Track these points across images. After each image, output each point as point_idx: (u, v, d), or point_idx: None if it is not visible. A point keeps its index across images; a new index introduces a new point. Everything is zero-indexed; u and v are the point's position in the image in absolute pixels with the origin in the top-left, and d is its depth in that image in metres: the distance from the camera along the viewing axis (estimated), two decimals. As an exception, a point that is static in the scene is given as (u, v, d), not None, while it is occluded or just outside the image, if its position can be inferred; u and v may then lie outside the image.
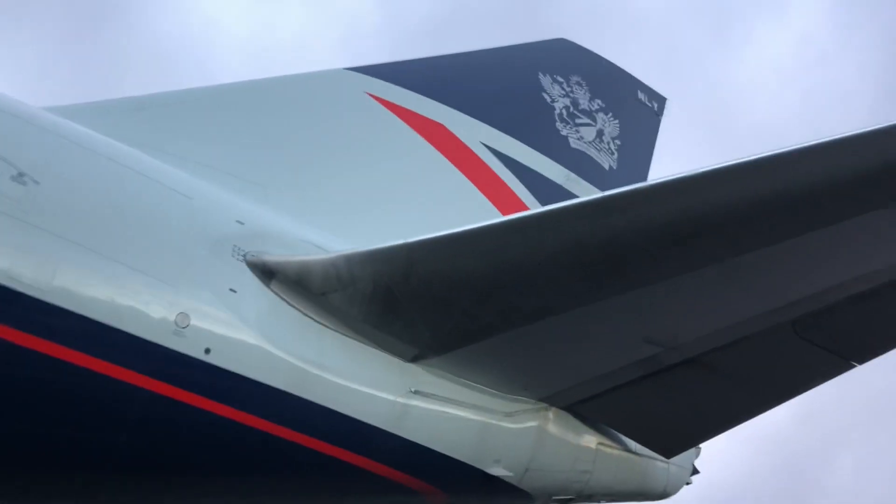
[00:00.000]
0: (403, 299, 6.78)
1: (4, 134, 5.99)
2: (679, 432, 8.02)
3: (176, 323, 6.00)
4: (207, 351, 6.10)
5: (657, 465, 8.31)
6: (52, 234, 5.75)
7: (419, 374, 7.08)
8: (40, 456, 5.87)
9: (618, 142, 10.64)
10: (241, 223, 6.89)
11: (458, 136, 9.45)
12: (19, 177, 5.75)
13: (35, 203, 5.74)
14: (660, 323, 6.91)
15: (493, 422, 7.34)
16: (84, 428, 5.87)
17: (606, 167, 10.45)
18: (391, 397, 6.92)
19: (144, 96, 8.17)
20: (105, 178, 6.39)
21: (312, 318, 6.72)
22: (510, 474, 7.38)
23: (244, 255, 6.62)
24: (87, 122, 7.10)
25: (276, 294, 6.64)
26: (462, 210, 8.68)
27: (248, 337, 6.31)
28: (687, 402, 7.64)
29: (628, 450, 8.10)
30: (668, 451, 8.20)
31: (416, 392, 7.02)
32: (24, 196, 5.70)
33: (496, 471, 7.31)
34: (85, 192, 6.13)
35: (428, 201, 8.81)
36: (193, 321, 6.08)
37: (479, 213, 8.92)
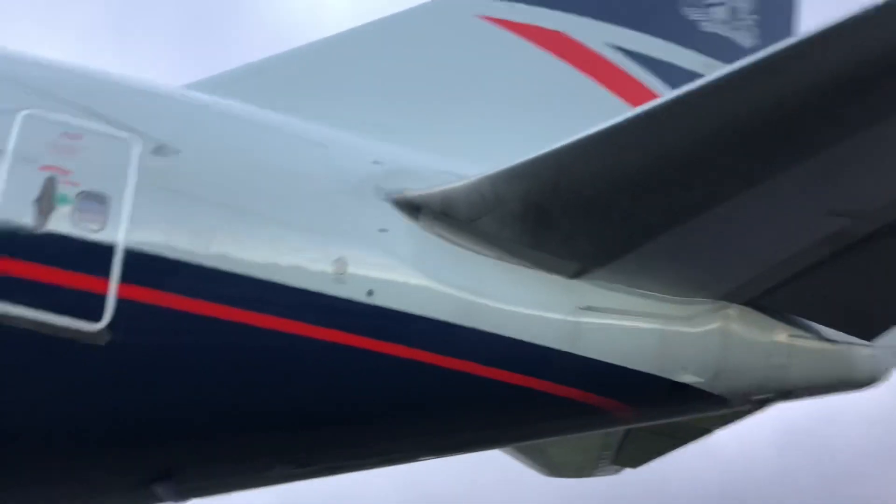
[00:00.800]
0: (556, 212, 6.45)
1: (139, 109, 6.09)
2: (879, 311, 7.29)
3: (335, 270, 5.97)
4: (370, 293, 6.04)
5: (859, 351, 7.58)
6: (201, 199, 5.80)
7: (586, 289, 6.74)
8: (230, 418, 5.98)
9: (755, 16, 9.72)
10: (379, 163, 6.77)
11: (579, 41, 8.92)
12: (160, 149, 5.82)
13: (180, 172, 5.81)
14: (845, 191, 6.21)
15: (673, 328, 6.89)
16: (263, 385, 5.92)
17: (748, 45, 9.56)
18: (560, 316, 6.62)
19: (261, 61, 8.18)
20: (240, 138, 6.42)
21: (465, 247, 6.53)
22: (700, 380, 6.93)
23: (387, 194, 6.51)
24: (211, 93, 7.15)
25: (425, 228, 6.48)
26: (598, 116, 8.16)
27: (406, 274, 6.22)
28: (885, 276, 6.90)
29: (824, 338, 7.42)
30: (870, 334, 7.47)
31: (586, 308, 6.68)
32: (168, 167, 5.76)
33: (685, 378, 6.88)
34: (225, 155, 6.15)
35: (560, 113, 8.36)
36: (351, 266, 6.05)
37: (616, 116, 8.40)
